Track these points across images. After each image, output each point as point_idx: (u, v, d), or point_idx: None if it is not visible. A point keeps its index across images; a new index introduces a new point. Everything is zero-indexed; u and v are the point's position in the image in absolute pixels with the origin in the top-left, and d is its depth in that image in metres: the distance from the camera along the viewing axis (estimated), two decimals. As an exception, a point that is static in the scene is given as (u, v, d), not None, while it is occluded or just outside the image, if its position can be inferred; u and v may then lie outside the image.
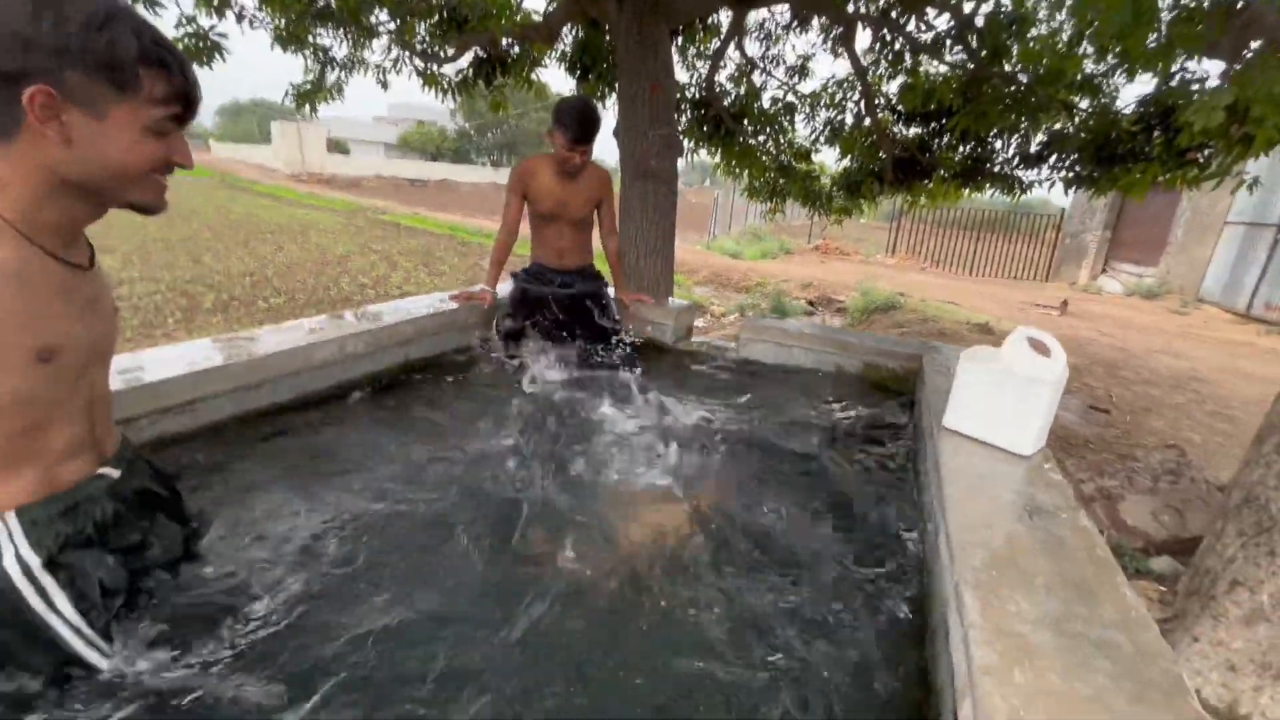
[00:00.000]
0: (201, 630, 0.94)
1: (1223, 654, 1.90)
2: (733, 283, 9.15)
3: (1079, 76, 3.61)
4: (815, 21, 4.80)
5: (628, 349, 2.53)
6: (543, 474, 1.53)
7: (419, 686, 0.91)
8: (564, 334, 2.52)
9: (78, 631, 0.82)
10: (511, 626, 1.03)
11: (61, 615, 0.80)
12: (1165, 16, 2.49)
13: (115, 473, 0.92)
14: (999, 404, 1.40)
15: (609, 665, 0.97)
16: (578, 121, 2.21)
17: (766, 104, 5.22)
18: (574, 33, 4.71)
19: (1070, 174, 4.17)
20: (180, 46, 3.24)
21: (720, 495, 1.52)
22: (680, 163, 4.00)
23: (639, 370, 2.38)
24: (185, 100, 0.82)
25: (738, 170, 5.38)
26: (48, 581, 0.80)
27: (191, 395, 1.48)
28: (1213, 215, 9.65)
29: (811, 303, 8.01)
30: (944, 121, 4.36)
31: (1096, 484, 2.94)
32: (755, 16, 5.00)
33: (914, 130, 4.82)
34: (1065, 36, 3.62)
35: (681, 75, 5.25)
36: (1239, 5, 2.32)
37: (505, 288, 2.62)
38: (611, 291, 2.77)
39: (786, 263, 12.28)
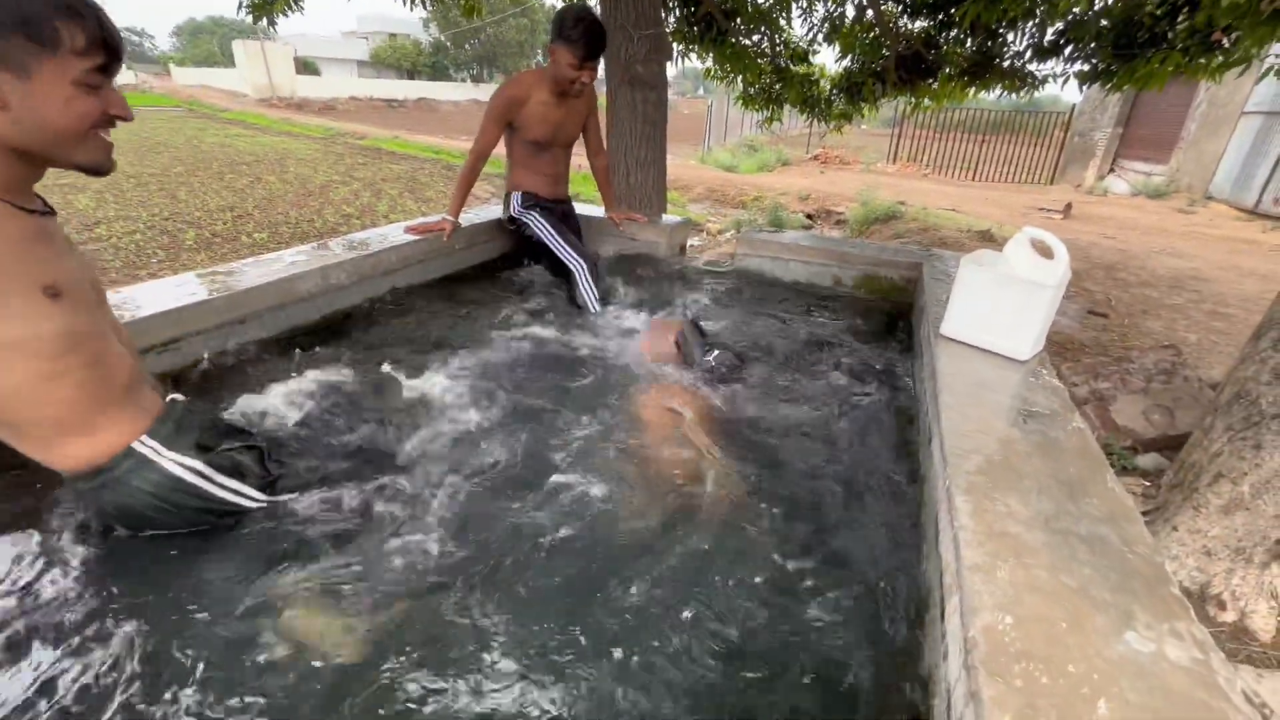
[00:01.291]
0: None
1: (1199, 541, 1.99)
2: (729, 198, 8.87)
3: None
4: (814, -102, 4.35)
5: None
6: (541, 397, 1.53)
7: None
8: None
9: (235, 491, 1.04)
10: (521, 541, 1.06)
11: (220, 485, 1.02)
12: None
13: (181, 397, 1.08)
14: (998, 308, 1.38)
15: (621, 563, 1.01)
16: (586, 36, 1.97)
17: (760, -1, 4.84)
18: (548, -78, 4.28)
19: (1086, 67, 3.92)
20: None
21: (714, 409, 1.53)
22: (670, 70, 3.76)
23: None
24: (107, 49, 0.81)
25: (731, 75, 5.05)
26: (202, 467, 1.01)
27: (176, 333, 1.45)
28: (1230, 106, 9.21)
29: (810, 215, 7.81)
30: (953, 11, 4.05)
31: (1090, 386, 2.97)
32: (747, -105, 4.53)
33: (920, 23, 4.49)
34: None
35: (668, -32, 4.82)
36: None
37: (469, 217, 2.50)
38: (600, 212, 2.68)
39: (784, 174, 11.86)
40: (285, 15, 3.85)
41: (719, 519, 1.14)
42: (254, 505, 1.07)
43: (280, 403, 1.30)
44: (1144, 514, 2.22)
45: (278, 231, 5.74)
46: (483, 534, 1.08)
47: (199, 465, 1.00)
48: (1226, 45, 3.14)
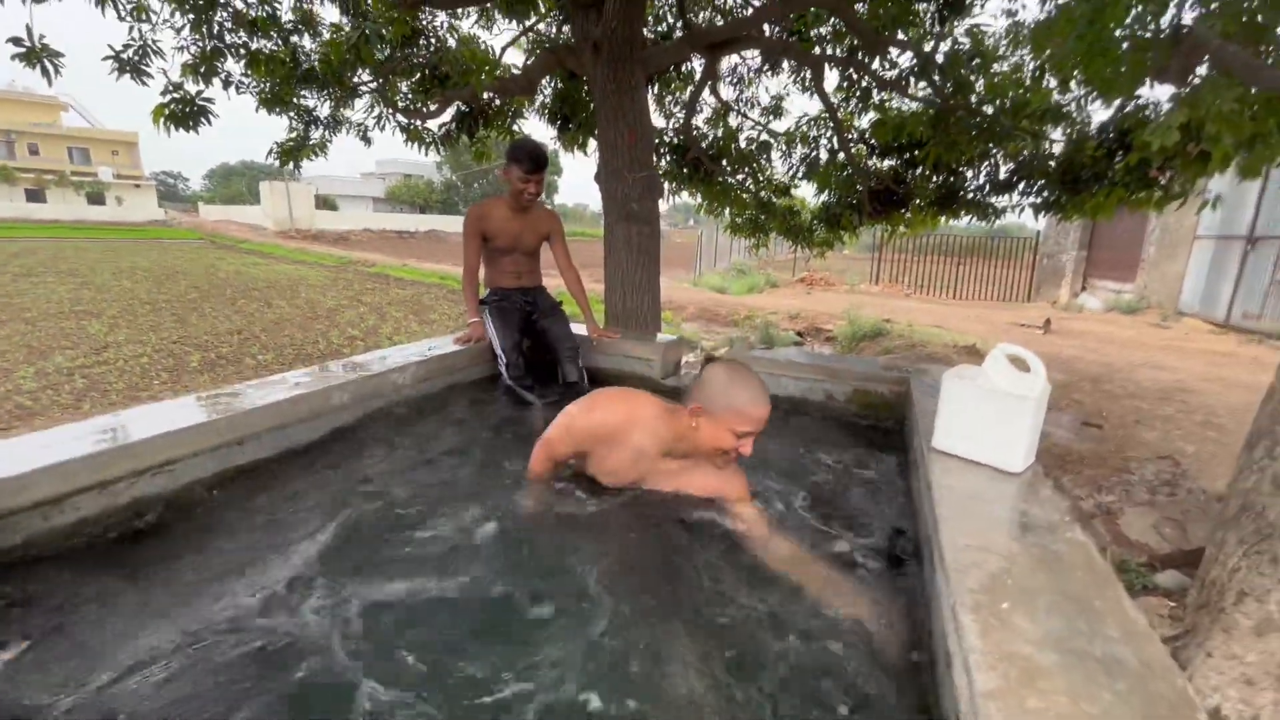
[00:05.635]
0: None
1: (1237, 668, 1.86)
2: (721, 317, 9.23)
3: (1047, 106, 3.75)
4: (785, 64, 5.00)
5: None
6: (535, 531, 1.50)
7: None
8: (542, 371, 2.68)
9: None
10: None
11: None
12: (1123, 46, 2.62)
13: None
14: (985, 422, 1.40)
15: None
16: (530, 155, 2.49)
17: (743, 144, 5.39)
18: (553, 84, 4.87)
19: (1039, 199, 4.30)
20: (166, 113, 3.32)
21: (710, 524, 1.50)
22: (662, 203, 4.09)
23: None
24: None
25: (719, 209, 5.50)
26: None
27: (169, 455, 1.45)
28: (1182, 230, 9.92)
29: (800, 333, 8.08)
30: (916, 153, 4.50)
31: (1095, 499, 2.92)
32: (728, 62, 5.20)
33: (888, 162, 4.97)
34: (1029, 69, 3.78)
35: (659, 121, 5.42)
36: (1183, 32, 2.45)
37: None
38: (580, 330, 2.80)
39: (773, 295, 12.43)
40: (311, 159, 4.25)
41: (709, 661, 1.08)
42: None
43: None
44: (1174, 637, 2.09)
45: (283, 353, 5.89)
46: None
47: None
48: (1163, 181, 3.47)
